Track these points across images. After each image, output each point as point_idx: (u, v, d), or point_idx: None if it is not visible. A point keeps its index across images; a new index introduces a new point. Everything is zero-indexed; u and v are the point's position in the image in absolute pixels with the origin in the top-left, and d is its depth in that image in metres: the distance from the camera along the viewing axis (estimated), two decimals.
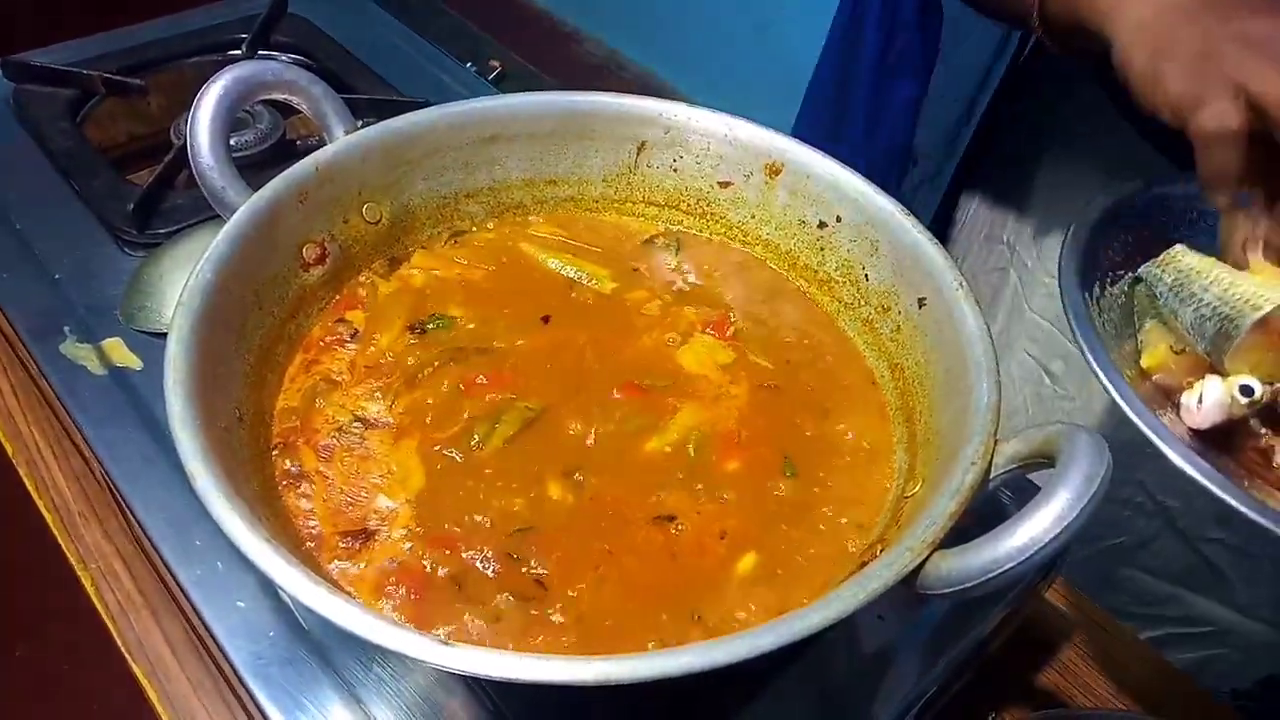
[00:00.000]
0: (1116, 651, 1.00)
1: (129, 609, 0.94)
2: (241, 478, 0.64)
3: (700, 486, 0.73)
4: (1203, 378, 0.71)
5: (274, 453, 0.72)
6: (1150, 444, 0.65)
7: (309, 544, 0.66)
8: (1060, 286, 0.70)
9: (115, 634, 0.94)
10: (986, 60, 1.19)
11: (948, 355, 0.73)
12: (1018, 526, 0.55)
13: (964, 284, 0.75)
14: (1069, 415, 1.10)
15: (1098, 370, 0.65)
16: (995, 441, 0.64)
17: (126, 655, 0.92)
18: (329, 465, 0.72)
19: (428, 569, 0.66)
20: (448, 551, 0.67)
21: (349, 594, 0.63)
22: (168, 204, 1.12)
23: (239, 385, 0.71)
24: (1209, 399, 0.69)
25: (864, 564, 0.65)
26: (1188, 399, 0.70)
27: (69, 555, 0.99)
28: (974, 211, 1.20)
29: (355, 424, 0.74)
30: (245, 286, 0.74)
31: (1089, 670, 1.00)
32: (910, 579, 0.58)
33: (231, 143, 1.18)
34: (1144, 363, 0.72)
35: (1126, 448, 0.64)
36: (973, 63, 1.19)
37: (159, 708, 0.88)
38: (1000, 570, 0.56)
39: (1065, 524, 0.55)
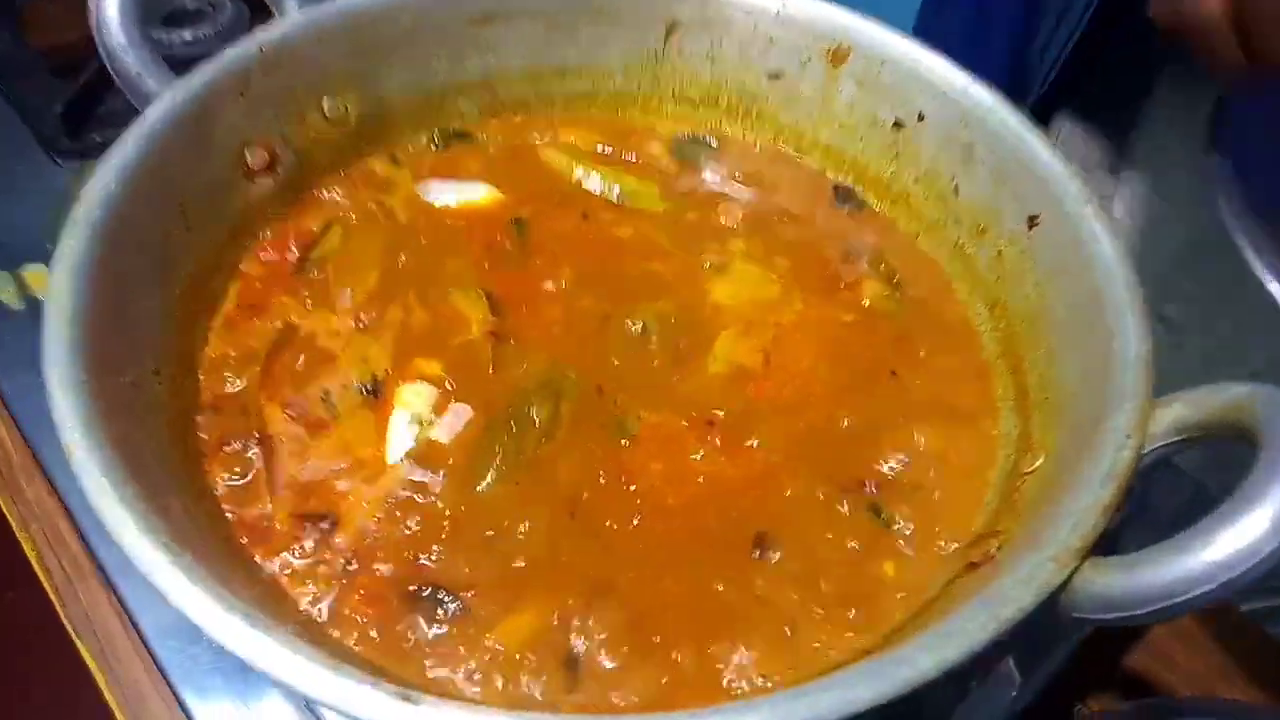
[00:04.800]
0: (1215, 628, 0.85)
1: (75, 577, 0.80)
2: (149, 450, 0.49)
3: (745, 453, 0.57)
4: None
5: (203, 416, 0.56)
6: None
7: (244, 538, 0.51)
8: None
9: (59, 606, 0.80)
10: None
11: (1072, 289, 0.57)
12: (1220, 532, 0.39)
13: (1094, 198, 0.58)
14: (1202, 369, 0.92)
15: None
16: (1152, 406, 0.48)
17: (71, 631, 0.78)
18: (288, 430, 0.56)
19: (407, 567, 0.51)
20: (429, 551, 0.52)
21: (291, 613, 0.48)
22: (105, 107, 0.95)
23: (157, 329, 0.55)
24: None
25: (973, 565, 0.50)
26: None
27: (9, 516, 0.84)
28: (1067, 133, 1.01)
29: (328, 384, 0.59)
30: (166, 200, 0.58)
31: (1185, 651, 0.85)
32: (1055, 598, 0.42)
33: (188, 37, 1.02)
34: None
35: None
36: None
37: (107, 693, 0.75)
38: (1191, 594, 0.40)
39: None
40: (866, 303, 0.66)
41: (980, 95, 0.65)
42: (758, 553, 0.53)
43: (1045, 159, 0.61)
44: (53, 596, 0.80)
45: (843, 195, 0.72)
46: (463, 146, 0.73)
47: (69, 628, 0.78)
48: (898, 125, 0.69)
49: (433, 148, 0.72)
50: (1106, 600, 0.41)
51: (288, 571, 0.50)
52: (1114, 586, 0.41)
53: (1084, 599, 0.42)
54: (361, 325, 0.62)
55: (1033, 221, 0.61)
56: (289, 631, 0.40)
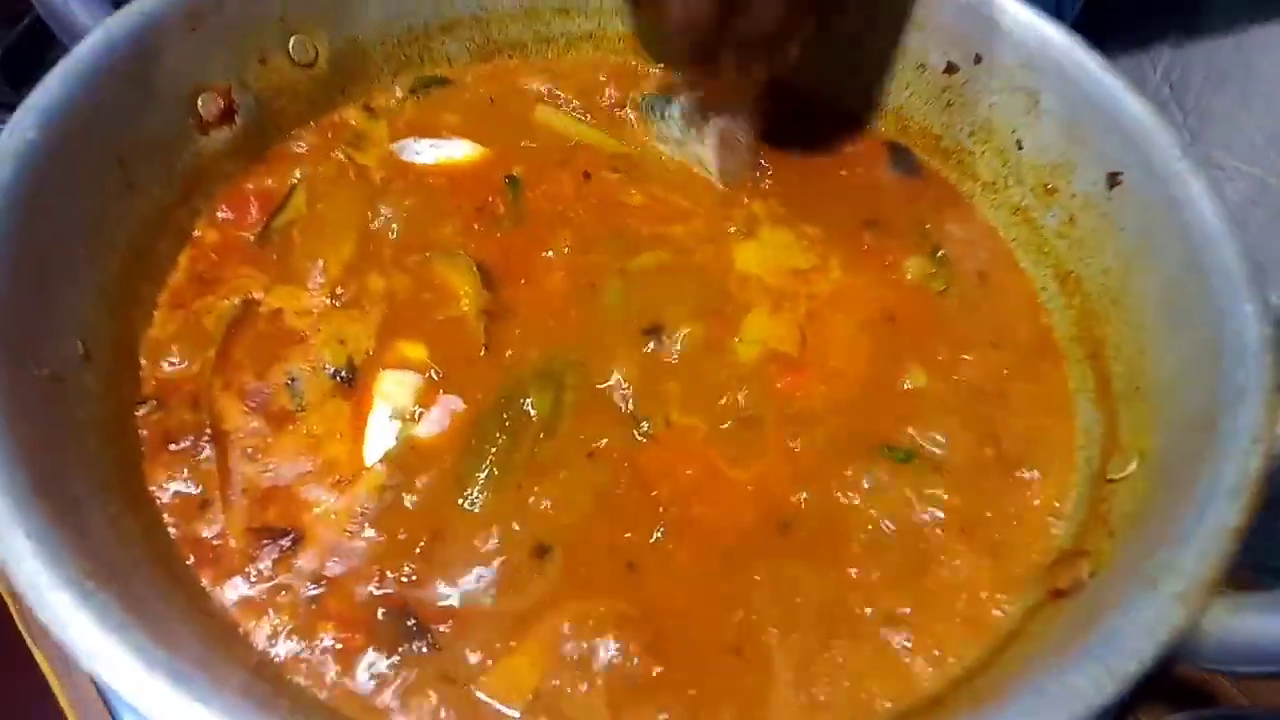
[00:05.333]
0: None
1: None
2: (72, 453, 0.41)
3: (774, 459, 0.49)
4: None
5: (143, 409, 0.47)
6: None
7: (189, 557, 0.43)
8: None
9: (12, 607, 0.72)
10: None
11: (1165, 260, 0.49)
12: None
13: (1189, 153, 0.49)
14: None
15: None
16: None
17: (27, 637, 0.71)
18: (246, 424, 0.48)
19: (384, 595, 0.43)
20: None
21: (242, 656, 0.39)
22: (56, 54, 0.85)
23: (88, 305, 0.47)
24: None
25: (1059, 593, 0.42)
26: None
27: None
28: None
29: (297, 369, 0.50)
30: (101, 152, 0.50)
31: None
32: (1183, 646, 0.34)
33: None
34: None
35: None
36: None
37: (68, 711, 0.67)
38: None
39: None
40: (909, 276, 0.58)
41: (1050, 33, 0.56)
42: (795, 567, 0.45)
43: (1130, 107, 0.52)
44: (5, 595, 0.72)
45: (899, 156, 0.63)
46: (447, 95, 0.64)
47: (24, 631, 0.70)
48: (950, 69, 0.60)
49: (413, 97, 0.63)
50: (1253, 650, 0.34)
51: (240, 601, 0.42)
52: (1264, 634, 0.33)
53: (1218, 647, 0.34)
54: (337, 301, 0.53)
55: (1114, 180, 0.53)
56: (234, 689, 0.32)
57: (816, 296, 0.56)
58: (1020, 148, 0.58)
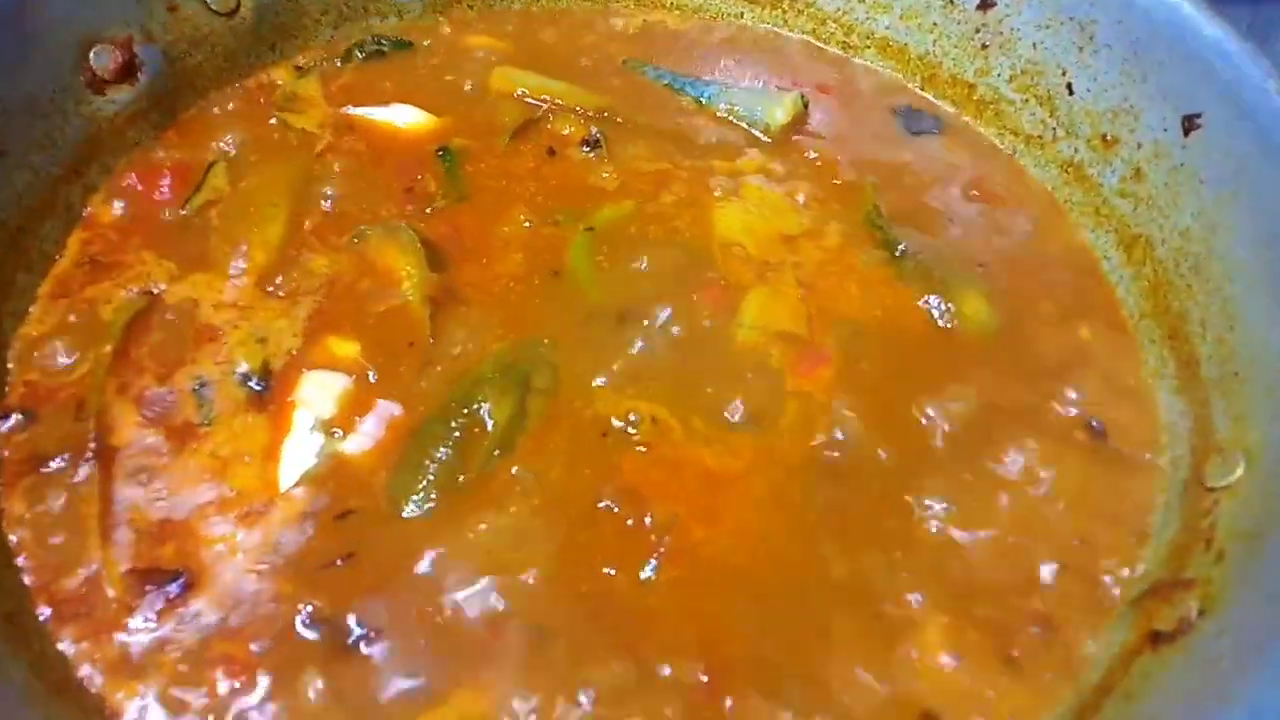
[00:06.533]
0: None
1: None
2: None
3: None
4: None
5: (7, 424, 0.38)
6: None
7: (43, 610, 0.34)
8: None
9: None
10: None
11: (1263, 215, 0.41)
12: None
13: None
14: None
15: None
16: None
17: None
18: (141, 439, 0.40)
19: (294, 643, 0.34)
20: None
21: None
22: None
23: None
24: None
25: (1159, 637, 0.33)
26: None
27: None
28: None
29: (207, 372, 0.42)
30: None
31: None
32: None
33: None
34: None
35: None
36: None
37: None
38: None
39: None
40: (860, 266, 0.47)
41: None
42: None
43: (1207, 34, 0.44)
44: None
45: (907, 116, 0.54)
46: (398, 56, 0.55)
47: None
48: (984, 4, 0.51)
49: (357, 55, 0.54)
50: None
51: (108, 665, 0.33)
52: None
53: None
54: (281, 290, 0.45)
55: (1190, 124, 0.44)
56: None
57: (803, 265, 0.46)
58: (1071, 92, 0.50)
